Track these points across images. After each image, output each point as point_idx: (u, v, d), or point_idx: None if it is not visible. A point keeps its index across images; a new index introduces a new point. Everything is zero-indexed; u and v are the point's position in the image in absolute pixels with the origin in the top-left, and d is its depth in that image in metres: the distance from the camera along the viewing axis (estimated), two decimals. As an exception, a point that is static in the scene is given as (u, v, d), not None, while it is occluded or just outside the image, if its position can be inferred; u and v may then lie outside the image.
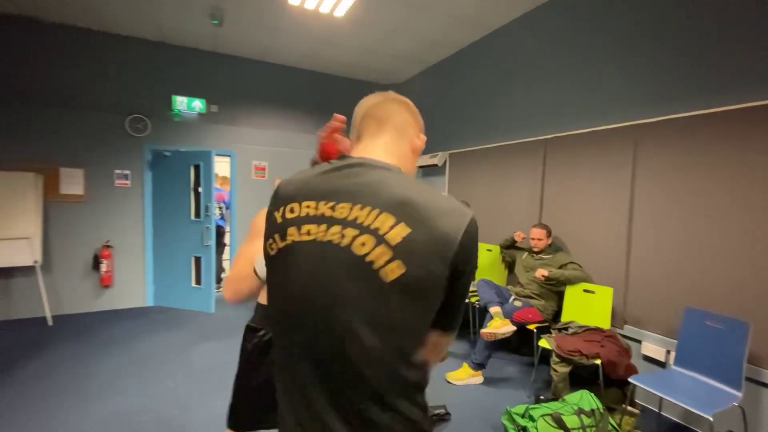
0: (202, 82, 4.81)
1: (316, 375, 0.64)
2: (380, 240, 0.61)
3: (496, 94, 4.10)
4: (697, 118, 2.43)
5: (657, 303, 2.62)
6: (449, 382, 2.95)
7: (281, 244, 0.69)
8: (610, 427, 2.13)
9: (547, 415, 2.09)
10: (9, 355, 3.20)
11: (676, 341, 2.40)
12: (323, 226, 0.65)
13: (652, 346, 2.62)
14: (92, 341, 3.56)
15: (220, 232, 5.29)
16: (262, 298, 1.13)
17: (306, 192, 0.70)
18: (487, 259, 3.95)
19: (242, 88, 5.05)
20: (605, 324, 2.78)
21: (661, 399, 2.50)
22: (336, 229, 0.64)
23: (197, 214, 4.60)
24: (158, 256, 4.74)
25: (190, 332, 3.85)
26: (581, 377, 2.79)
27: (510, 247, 3.60)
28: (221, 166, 5.38)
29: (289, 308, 0.68)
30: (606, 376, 2.47)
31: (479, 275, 3.77)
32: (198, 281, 4.66)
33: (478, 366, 2.97)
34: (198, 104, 4.74)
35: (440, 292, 0.64)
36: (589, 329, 2.74)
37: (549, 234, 3.21)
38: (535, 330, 2.99)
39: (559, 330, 2.86)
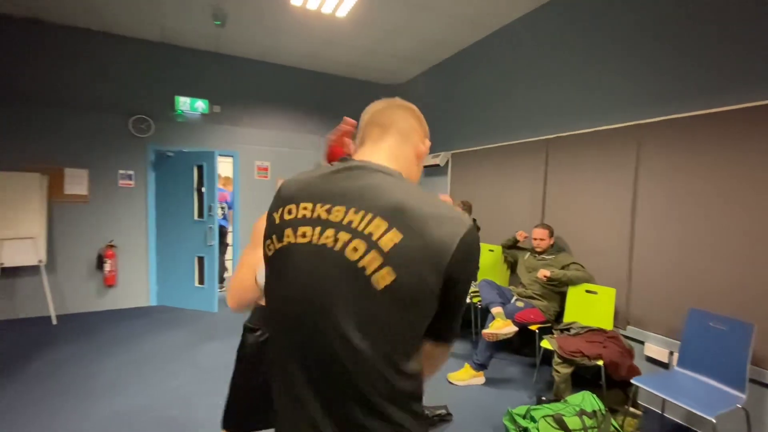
0: (205, 83, 4.83)
1: (309, 377, 0.64)
2: (372, 245, 0.60)
3: (498, 94, 4.09)
4: (699, 117, 2.41)
5: (660, 304, 2.61)
6: (451, 383, 2.95)
7: (278, 246, 0.69)
8: (612, 429, 2.12)
9: (549, 416, 2.09)
10: (14, 353, 3.22)
11: (679, 342, 2.38)
12: (318, 229, 0.65)
13: (655, 347, 2.60)
14: (96, 340, 3.58)
15: (222, 232, 5.31)
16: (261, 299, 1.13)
17: (305, 193, 0.70)
18: (489, 259, 3.94)
19: (245, 88, 5.07)
20: (608, 325, 2.77)
21: (663, 400, 2.48)
22: (330, 232, 0.64)
23: (200, 214, 4.62)
24: (161, 255, 4.76)
25: (193, 332, 3.87)
26: (583, 378, 2.78)
27: (512, 247, 3.59)
28: (223, 167, 5.39)
29: (284, 309, 0.69)
30: (608, 377, 2.46)
31: (481, 275, 3.77)
32: (201, 281, 4.68)
33: (480, 366, 2.96)
34: (201, 105, 4.76)
35: (433, 301, 0.63)
36: (591, 330, 2.73)
37: (551, 234, 3.20)
38: (537, 331, 2.98)
39: (561, 331, 2.85)
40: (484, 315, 3.23)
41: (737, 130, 2.24)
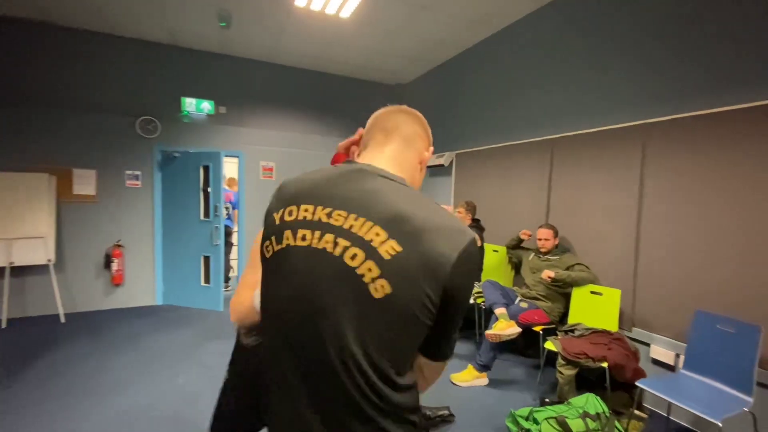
0: (211, 84, 4.87)
1: (303, 381, 0.64)
2: (370, 254, 0.60)
3: (503, 93, 4.07)
4: (707, 116, 2.38)
5: (666, 305, 2.58)
6: (454, 384, 2.94)
7: (276, 247, 0.68)
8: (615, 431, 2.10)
9: (552, 418, 2.07)
10: (24, 351, 3.28)
11: (685, 345, 2.35)
12: (318, 233, 0.64)
13: (661, 350, 2.57)
14: (103, 339, 3.63)
15: (227, 232, 5.35)
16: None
17: (306, 195, 0.69)
18: (494, 260, 3.92)
19: (250, 89, 5.10)
20: (613, 326, 2.74)
21: (669, 403, 2.45)
22: (330, 237, 0.63)
23: (206, 214, 4.66)
24: (168, 255, 4.81)
25: (199, 330, 3.91)
26: (588, 380, 2.76)
27: (516, 247, 3.57)
28: (228, 167, 5.43)
29: (279, 312, 0.68)
30: (613, 380, 2.43)
31: (485, 276, 3.75)
32: (207, 280, 4.72)
33: (483, 367, 2.95)
34: (207, 106, 4.80)
35: (429, 315, 0.62)
36: (596, 332, 2.71)
37: (556, 234, 3.17)
38: (541, 332, 2.96)
39: (566, 332, 2.83)
40: (488, 316, 3.22)
41: (747, 129, 2.20)
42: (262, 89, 5.18)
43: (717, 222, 2.32)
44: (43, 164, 4.12)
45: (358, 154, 0.83)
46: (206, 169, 4.63)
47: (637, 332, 2.72)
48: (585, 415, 2.10)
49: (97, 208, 4.43)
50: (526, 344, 3.40)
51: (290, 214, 0.68)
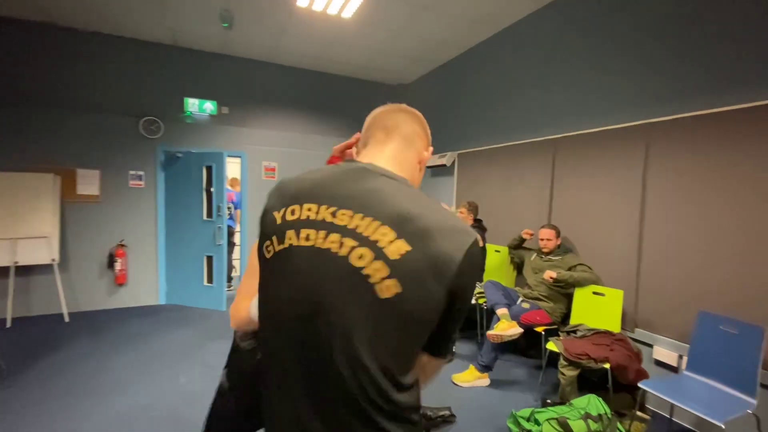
0: (213, 85, 4.89)
1: (304, 382, 0.63)
2: (378, 254, 0.59)
3: (505, 93, 4.06)
4: (709, 116, 2.36)
5: (669, 306, 2.56)
6: (455, 384, 2.94)
7: (278, 248, 0.66)
8: (618, 433, 2.09)
9: (553, 419, 2.07)
10: (28, 350, 3.30)
11: (688, 346, 2.33)
12: (322, 233, 0.63)
13: (664, 351, 2.55)
14: (107, 338, 3.65)
15: (229, 232, 5.37)
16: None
17: (309, 194, 0.68)
18: (496, 260, 3.91)
19: (252, 89, 5.12)
20: (615, 327, 2.73)
21: (672, 405, 2.43)
22: (335, 237, 0.62)
23: (209, 214, 4.68)
24: (171, 255, 4.83)
25: (202, 330, 3.92)
26: (590, 381, 2.74)
27: (518, 247, 3.56)
28: (230, 167, 5.45)
29: (281, 312, 0.66)
30: (615, 381, 2.42)
31: (487, 276, 3.75)
32: (210, 280, 4.74)
33: (485, 368, 2.94)
34: (209, 106, 4.82)
35: (435, 315, 0.62)
36: (598, 332, 2.69)
37: (558, 234, 3.16)
38: (543, 332, 2.95)
39: (568, 333, 2.82)
40: (490, 316, 3.21)
41: (751, 128, 2.19)
42: (265, 89, 5.20)
43: (720, 222, 2.30)
44: (47, 164, 4.15)
45: (358, 153, 0.82)
46: (209, 169, 4.65)
47: (640, 333, 2.71)
48: (587, 416, 2.09)
49: (101, 208, 4.45)
50: (528, 345, 3.39)
51: (292, 213, 0.67)
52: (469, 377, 2.95)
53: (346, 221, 0.62)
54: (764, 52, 2.15)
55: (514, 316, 2.93)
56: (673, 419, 2.48)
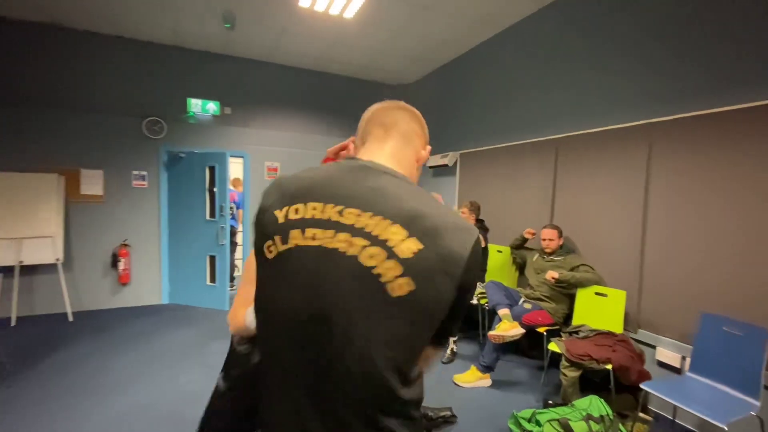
0: (216, 85, 4.90)
1: (305, 384, 0.62)
2: (390, 254, 0.59)
3: (507, 93, 4.04)
4: (713, 116, 2.34)
5: (672, 307, 2.54)
6: (456, 384, 2.93)
7: (282, 248, 0.64)
8: (620, 434, 2.08)
9: (554, 420, 2.06)
10: (31, 349, 3.33)
11: (691, 347, 2.32)
12: (330, 232, 0.62)
13: (667, 352, 2.54)
14: (110, 337, 3.67)
15: (232, 232, 5.39)
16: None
17: (312, 192, 0.66)
18: (498, 260, 3.90)
19: (255, 90, 5.13)
20: (618, 328, 2.71)
21: (675, 406, 2.42)
22: (343, 236, 0.61)
23: (212, 214, 4.70)
24: (174, 254, 4.86)
25: (205, 329, 3.94)
26: (593, 382, 2.73)
27: (520, 247, 3.54)
28: (232, 167, 5.47)
29: (284, 314, 0.65)
30: (618, 382, 2.41)
31: (489, 276, 3.74)
32: (213, 279, 4.76)
33: (486, 368, 2.94)
34: (212, 106, 4.84)
35: (445, 310, 0.62)
36: (600, 333, 2.68)
37: (560, 235, 3.15)
38: (545, 333, 2.94)
39: (570, 333, 2.81)
40: (491, 316, 3.21)
41: (756, 127, 2.17)
42: (267, 90, 5.21)
43: (723, 223, 2.28)
44: (52, 165, 4.18)
45: (356, 150, 0.82)
46: (212, 169, 4.67)
47: (643, 334, 2.69)
48: (588, 417, 2.08)
49: (104, 208, 4.48)
50: (529, 345, 3.38)
51: (296, 212, 0.65)
52: (471, 378, 2.95)
53: (353, 220, 0.62)
54: (764, 52, 2.14)
55: (516, 317, 2.92)
56: (676, 421, 2.46)
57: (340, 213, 0.63)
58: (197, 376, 2.94)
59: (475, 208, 3.76)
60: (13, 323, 3.91)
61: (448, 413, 2.44)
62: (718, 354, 2.17)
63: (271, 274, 0.67)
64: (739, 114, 2.23)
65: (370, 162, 0.71)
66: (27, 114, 4.11)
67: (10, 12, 3.89)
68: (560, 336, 2.84)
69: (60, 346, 3.42)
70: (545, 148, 3.51)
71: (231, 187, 5.58)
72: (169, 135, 4.69)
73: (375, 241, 0.60)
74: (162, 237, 4.80)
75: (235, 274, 5.76)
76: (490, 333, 2.87)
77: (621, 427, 2.11)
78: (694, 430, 2.40)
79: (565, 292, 3.03)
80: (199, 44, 4.65)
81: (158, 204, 4.76)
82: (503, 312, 2.95)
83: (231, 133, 5.06)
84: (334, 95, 5.57)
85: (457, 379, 2.97)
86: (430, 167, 5.07)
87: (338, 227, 0.62)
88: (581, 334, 2.71)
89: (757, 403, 1.92)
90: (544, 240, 3.16)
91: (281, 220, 0.66)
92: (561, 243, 3.15)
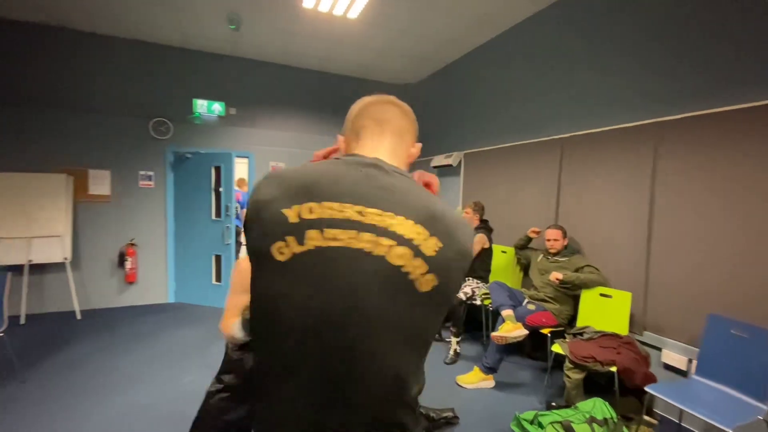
0: (222, 86, 4.94)
1: (329, 388, 0.62)
2: (416, 252, 0.61)
3: (511, 93, 4.02)
4: (722, 114, 2.30)
5: (678, 309, 2.50)
6: (459, 385, 2.92)
7: (298, 249, 0.61)
8: (623, 437, 2.06)
9: (557, 422, 2.04)
10: (40, 347, 3.38)
11: (698, 349, 2.28)
12: (352, 232, 0.61)
13: (673, 354, 2.50)
14: (117, 335, 3.72)
15: (237, 231, 5.41)
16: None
17: (322, 190, 0.64)
18: (502, 261, 3.88)
19: (260, 90, 5.16)
20: (623, 330, 2.68)
21: (681, 410, 2.38)
22: (368, 236, 0.61)
23: (218, 214, 4.73)
24: (180, 254, 4.90)
25: (210, 328, 3.96)
26: (598, 384, 2.70)
27: (524, 247, 3.52)
28: (237, 167, 5.50)
29: (303, 318, 0.62)
30: (623, 385, 2.38)
31: (493, 277, 3.71)
32: (218, 279, 4.79)
33: (489, 370, 2.92)
34: (217, 107, 4.87)
35: (453, 301, 0.70)
36: (605, 335, 2.65)
37: (565, 235, 3.12)
38: (548, 334, 2.91)
39: (574, 335, 2.78)
40: (495, 317, 3.18)
41: (761, 126, 2.13)
42: (272, 90, 5.24)
43: (731, 223, 2.24)
44: (60, 165, 4.25)
45: (348, 143, 0.80)
46: (218, 169, 4.71)
47: (649, 336, 2.66)
48: (592, 420, 2.06)
49: (112, 207, 4.54)
50: (533, 347, 3.35)
51: (311, 211, 0.62)
52: (474, 379, 2.93)
53: (376, 220, 0.62)
54: (765, 53, 2.10)
55: (520, 318, 2.90)
56: (682, 424, 2.42)
57: (361, 213, 0.62)
58: (199, 376, 2.96)
59: (479, 209, 3.75)
60: (22, 321, 3.98)
61: (451, 414, 2.43)
62: (725, 357, 2.14)
63: (286, 277, 0.62)
64: (752, 111, 2.18)
65: (375, 159, 0.71)
66: (37, 115, 4.18)
67: (20, 14, 3.96)
68: (564, 337, 2.81)
69: (66, 345, 3.47)
70: (550, 148, 3.48)
71: (236, 188, 5.61)
72: (175, 135, 4.74)
73: (401, 240, 0.61)
74: (168, 236, 4.85)
75: (241, 273, 5.79)
76: (493, 334, 2.85)
77: (625, 430, 2.09)
78: (700, 434, 2.37)
79: (570, 293, 3.00)
80: (205, 46, 4.69)
81: (164, 204, 4.81)
82: (507, 313, 2.93)
83: (236, 134, 5.09)
84: (338, 95, 5.57)
85: (459, 380, 2.95)
86: (435, 167, 5.06)
87: (360, 227, 0.62)
88: (585, 336, 2.68)
89: (765, 407, 1.88)
90: (549, 240, 3.13)
91: (293, 219, 0.62)
92: (565, 243, 3.12)
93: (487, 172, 4.34)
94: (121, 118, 4.51)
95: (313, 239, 0.61)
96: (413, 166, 0.86)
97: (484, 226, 3.69)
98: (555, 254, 3.13)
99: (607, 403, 2.19)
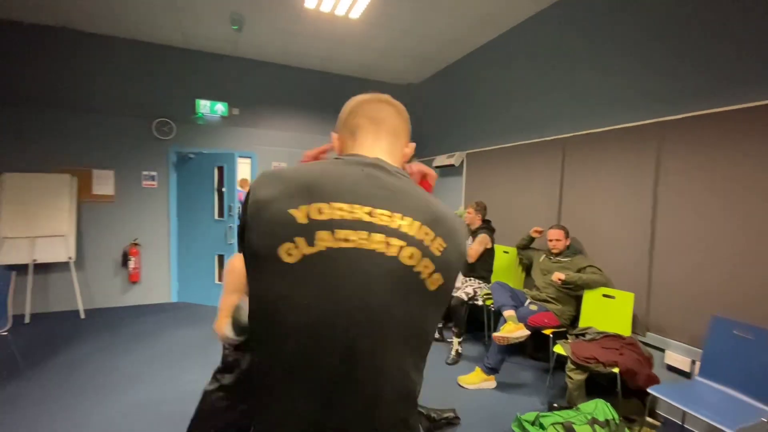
0: (224, 86, 4.96)
1: (320, 395, 0.61)
2: (425, 252, 0.64)
3: (514, 92, 4.01)
4: (726, 114, 2.28)
5: (682, 310, 2.49)
6: (461, 386, 2.91)
7: (308, 251, 0.60)
8: (626, 439, 2.04)
9: (558, 423, 2.03)
10: (46, 345, 3.41)
11: (701, 351, 2.27)
12: (363, 233, 0.61)
13: (676, 356, 2.48)
14: (120, 334, 3.74)
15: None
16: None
17: (327, 190, 0.63)
18: (504, 261, 3.87)
19: (262, 91, 5.18)
20: (625, 331, 2.67)
21: (684, 411, 2.37)
22: (379, 237, 0.62)
23: (220, 214, 4.75)
24: (183, 253, 4.92)
25: (211, 328, 3.96)
26: (600, 385, 2.69)
27: (527, 247, 3.51)
28: (240, 167, 5.52)
29: (305, 322, 0.61)
30: (626, 386, 2.36)
31: (495, 277, 3.70)
32: (221, 278, 4.81)
33: (491, 370, 2.91)
34: (220, 107, 4.89)
35: (450, 301, 0.71)
36: (607, 336, 2.64)
37: (567, 235, 3.10)
38: (551, 335, 2.90)
39: (576, 336, 2.77)
40: (497, 318, 3.17)
41: (762, 126, 2.11)
42: (274, 91, 5.25)
43: (736, 224, 2.23)
44: (64, 166, 4.28)
45: (342, 141, 0.81)
46: (220, 169, 4.73)
47: (652, 337, 2.64)
48: (593, 421, 2.05)
49: (115, 207, 4.56)
50: (535, 347, 3.34)
51: (320, 212, 0.61)
52: (475, 379, 2.93)
53: (386, 221, 0.63)
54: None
55: (522, 318, 2.89)
56: (685, 426, 2.41)
57: (370, 214, 0.63)
58: (202, 375, 2.93)
59: (481, 209, 3.74)
60: (27, 320, 4.01)
61: (452, 415, 2.42)
62: (728, 358, 2.12)
63: (293, 279, 0.61)
64: (756, 111, 2.17)
65: (377, 159, 0.71)
66: (41, 116, 4.20)
67: (10, 14, 3.99)
68: (566, 338, 2.80)
69: (73, 342, 3.50)
70: (552, 148, 3.47)
71: (238, 188, 5.63)
72: (178, 136, 4.76)
73: (411, 241, 0.63)
74: (171, 236, 4.87)
75: (243, 273, 5.81)
76: (495, 334, 2.84)
77: (627, 431, 2.08)
78: (703, 436, 2.35)
79: (572, 294, 2.98)
80: (208, 46, 4.71)
81: (167, 204, 4.83)
82: (508, 313, 2.92)
83: (239, 134, 5.11)
84: (340, 96, 5.44)
85: (461, 381, 2.95)
86: (437, 167, 5.05)
87: (371, 228, 0.62)
88: (588, 337, 2.67)
89: (769, 410, 1.87)
90: (551, 240, 3.12)
91: (302, 220, 0.61)
92: (568, 244, 3.11)
93: (489, 172, 4.33)
94: (124, 119, 4.53)
95: (324, 240, 0.61)
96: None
97: (487, 227, 3.68)
98: (557, 254, 3.11)
99: (609, 404, 2.18)
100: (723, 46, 2.32)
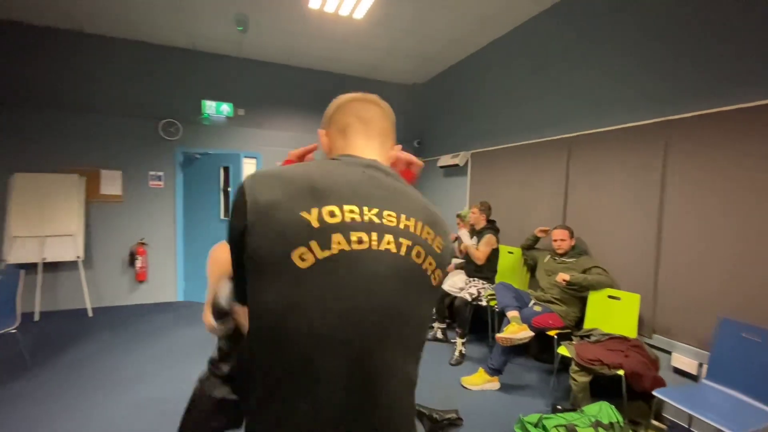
0: (230, 87, 4.99)
1: (352, 388, 0.61)
2: (429, 250, 0.68)
3: (519, 92, 3.98)
4: (733, 112, 2.24)
5: (689, 312, 2.45)
6: (464, 387, 2.90)
7: (322, 254, 0.59)
8: (630, 442, 2.02)
9: (561, 426, 2.01)
10: (54, 343, 3.46)
11: (708, 353, 2.23)
12: (374, 234, 0.62)
13: (683, 358, 2.44)
14: (127, 333, 3.78)
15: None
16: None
17: (334, 192, 0.63)
18: (509, 261, 3.84)
19: (268, 91, 5.21)
20: (631, 333, 2.63)
21: (690, 415, 2.33)
22: (389, 238, 0.64)
23: (226, 214, 4.78)
24: (189, 253, 4.97)
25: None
26: (605, 388, 2.65)
27: (531, 247, 3.48)
28: (245, 168, 5.55)
29: (323, 328, 0.59)
30: (632, 389, 2.33)
31: (500, 278, 3.68)
32: (225, 278, 4.84)
33: (495, 371, 2.89)
34: (226, 108, 4.93)
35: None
36: (613, 338, 2.60)
37: (572, 235, 3.07)
38: (555, 336, 2.87)
39: (581, 337, 2.74)
40: (501, 318, 3.15)
41: (761, 126, 2.07)
42: (279, 91, 5.27)
43: (743, 224, 2.18)
44: (73, 166, 4.34)
45: (332, 140, 0.80)
46: (226, 169, 4.76)
47: (658, 339, 2.60)
48: (597, 424, 2.03)
49: (123, 207, 4.62)
50: (540, 349, 3.31)
51: (332, 215, 0.61)
52: (479, 380, 2.91)
53: (395, 222, 0.65)
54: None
55: (526, 319, 2.87)
56: (692, 429, 2.37)
57: (379, 216, 0.64)
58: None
59: (486, 209, 3.71)
60: (36, 318, 4.07)
61: (454, 416, 2.41)
62: (736, 361, 2.08)
63: (305, 284, 0.59)
64: (762, 110, 2.13)
65: (373, 161, 0.73)
66: (51, 117, 4.27)
67: (40, 20, 4.06)
68: (571, 339, 2.77)
69: (81, 340, 3.54)
70: (557, 148, 3.44)
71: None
72: (184, 136, 4.80)
73: (417, 240, 0.67)
74: (177, 236, 4.92)
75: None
76: (498, 335, 2.82)
77: (632, 434, 2.05)
78: (711, 440, 2.31)
79: (577, 295, 2.95)
80: (213, 47, 4.75)
81: (174, 204, 4.87)
82: (512, 314, 2.90)
83: (244, 134, 5.14)
84: None
85: (464, 382, 2.93)
86: (441, 167, 5.04)
87: (381, 229, 0.64)
88: (593, 338, 2.64)
89: (778, 414, 1.83)
90: (556, 241, 3.09)
91: (316, 224, 0.60)
92: (573, 244, 3.08)
93: (494, 172, 4.30)
94: (132, 120, 4.59)
95: (339, 243, 0.60)
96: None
97: (491, 227, 3.66)
98: (562, 255, 3.09)
99: (613, 407, 2.15)
100: (723, 46, 2.28)
